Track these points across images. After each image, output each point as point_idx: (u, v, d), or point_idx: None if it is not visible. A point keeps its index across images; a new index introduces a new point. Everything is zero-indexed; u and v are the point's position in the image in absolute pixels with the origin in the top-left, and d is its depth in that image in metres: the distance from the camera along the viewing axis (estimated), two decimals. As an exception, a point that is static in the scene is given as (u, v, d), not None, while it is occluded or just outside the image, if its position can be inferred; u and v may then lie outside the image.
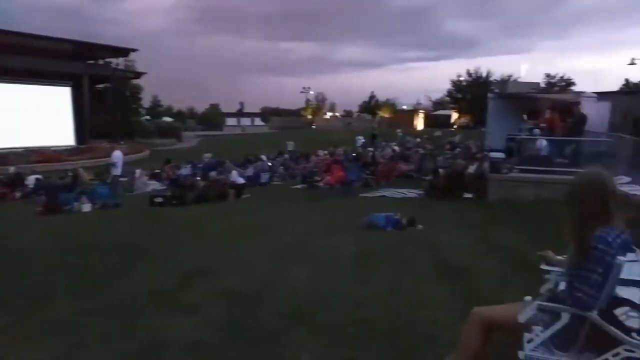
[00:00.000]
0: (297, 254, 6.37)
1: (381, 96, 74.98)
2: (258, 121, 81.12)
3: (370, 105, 73.42)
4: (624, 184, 9.39)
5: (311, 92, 75.86)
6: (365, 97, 77.30)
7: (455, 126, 50.80)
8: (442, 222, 8.56)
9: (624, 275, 2.56)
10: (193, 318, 4.07)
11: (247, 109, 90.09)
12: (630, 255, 2.30)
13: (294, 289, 4.86)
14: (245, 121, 76.99)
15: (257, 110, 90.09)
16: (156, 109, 68.12)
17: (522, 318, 2.34)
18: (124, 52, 35.41)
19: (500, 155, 11.82)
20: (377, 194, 13.02)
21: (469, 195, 11.60)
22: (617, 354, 2.12)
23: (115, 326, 3.94)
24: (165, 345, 3.55)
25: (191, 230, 8.36)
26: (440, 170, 13.41)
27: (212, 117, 77.06)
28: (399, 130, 35.39)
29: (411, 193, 12.88)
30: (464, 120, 52.24)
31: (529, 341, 2.32)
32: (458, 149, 23.20)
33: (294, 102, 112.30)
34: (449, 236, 7.36)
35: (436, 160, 17.89)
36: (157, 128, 43.73)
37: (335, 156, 19.42)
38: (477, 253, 6.27)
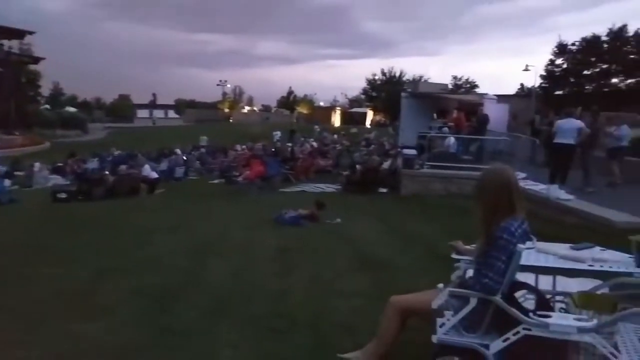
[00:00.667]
0: (215, 249, 6.26)
1: (299, 92, 75.54)
2: (172, 113, 77.86)
3: (289, 101, 73.59)
4: (521, 180, 10.30)
5: (228, 85, 74.43)
6: (283, 92, 77.42)
7: (369, 124, 52.40)
8: (359, 215, 8.84)
9: (522, 261, 2.84)
10: (107, 320, 3.85)
11: (160, 101, 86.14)
12: (528, 244, 2.55)
13: (212, 284, 4.79)
14: (158, 113, 73.46)
15: (171, 102, 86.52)
16: (58, 98, 63.01)
17: (435, 304, 2.50)
18: (18, 34, 32.32)
19: (412, 152, 12.44)
20: (297, 189, 13.13)
21: (384, 190, 12.09)
22: (517, 333, 2.35)
23: (16, 332, 3.62)
24: (77, 350, 3.33)
25: (101, 227, 7.87)
26: (357, 165, 13.81)
27: (122, 109, 72.79)
28: (317, 127, 35.86)
29: (329, 188, 13.14)
30: (380, 118, 54.08)
31: (441, 325, 2.50)
32: (373, 146, 24.02)
33: (211, 95, 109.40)
34: (366, 229, 7.63)
35: (353, 156, 18.38)
36: (60, 118, 40.38)
37: (254, 151, 19.23)
38: (393, 244, 6.57)
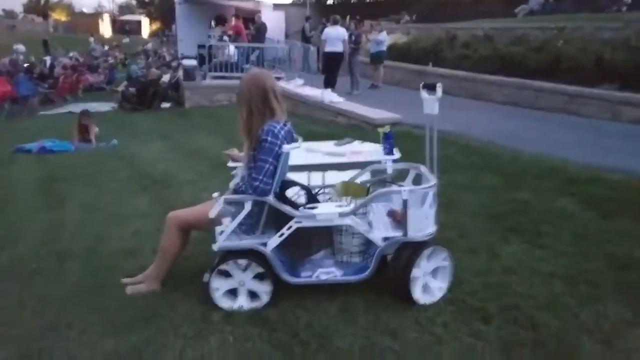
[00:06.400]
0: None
1: (53, -6, 63.13)
2: None
3: (39, 6, 61.15)
4: (299, 86, 10.84)
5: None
6: (30, -6, 63.52)
7: (147, 34, 47.70)
8: (138, 134, 8.23)
9: (293, 161, 3.00)
10: None
11: None
12: (294, 144, 2.67)
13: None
14: None
15: None
16: None
17: (212, 214, 2.49)
18: None
19: (193, 62, 11.85)
20: (62, 110, 11.43)
21: (167, 105, 11.43)
22: (290, 227, 2.52)
23: None
24: None
25: None
26: (133, 80, 12.61)
27: None
28: (92, 38, 30.15)
29: (103, 107, 11.80)
30: (159, 27, 49.41)
31: (221, 233, 2.52)
32: (151, 58, 22.16)
33: None
34: (146, 147, 7.17)
35: (129, 70, 16.66)
36: None
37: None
38: (176, 161, 6.33)
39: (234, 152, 3.07)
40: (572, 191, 4.35)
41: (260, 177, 2.45)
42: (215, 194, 2.51)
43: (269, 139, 2.45)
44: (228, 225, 2.51)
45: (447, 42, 13.82)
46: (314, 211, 2.53)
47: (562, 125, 7.55)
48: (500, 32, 13.34)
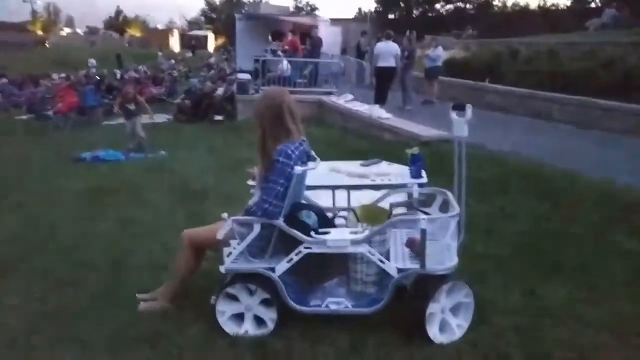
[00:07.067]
0: (8, 198, 5.43)
1: (129, 12, 67.62)
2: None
3: (118, 22, 65.57)
4: (349, 101, 10.75)
5: (38, 2, 62.85)
6: (110, 12, 68.43)
7: (213, 48, 49.72)
8: (187, 146, 8.41)
9: (314, 182, 2.89)
10: None
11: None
12: (311, 164, 2.55)
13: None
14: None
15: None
16: None
17: (219, 235, 2.41)
18: None
19: (246, 76, 12.09)
20: (122, 120, 11.97)
21: (220, 117, 11.68)
22: (299, 252, 2.39)
23: None
24: None
25: None
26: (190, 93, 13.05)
27: None
28: (160, 53, 31.97)
29: (160, 118, 12.25)
30: (224, 41, 51.44)
31: (229, 255, 2.43)
32: (213, 71, 22.98)
33: (16, 14, 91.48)
34: (193, 159, 7.30)
35: (189, 83, 17.32)
36: None
37: (74, 79, 16.88)
38: (219, 174, 6.36)
39: (255, 170, 2.99)
40: (631, 224, 3.92)
41: (270, 200, 2.35)
42: (225, 215, 2.44)
43: (281, 159, 2.35)
44: (236, 247, 2.42)
45: (508, 57, 13.23)
46: (325, 237, 2.39)
47: (631, 149, 6.91)
48: (567, 47, 12.58)
